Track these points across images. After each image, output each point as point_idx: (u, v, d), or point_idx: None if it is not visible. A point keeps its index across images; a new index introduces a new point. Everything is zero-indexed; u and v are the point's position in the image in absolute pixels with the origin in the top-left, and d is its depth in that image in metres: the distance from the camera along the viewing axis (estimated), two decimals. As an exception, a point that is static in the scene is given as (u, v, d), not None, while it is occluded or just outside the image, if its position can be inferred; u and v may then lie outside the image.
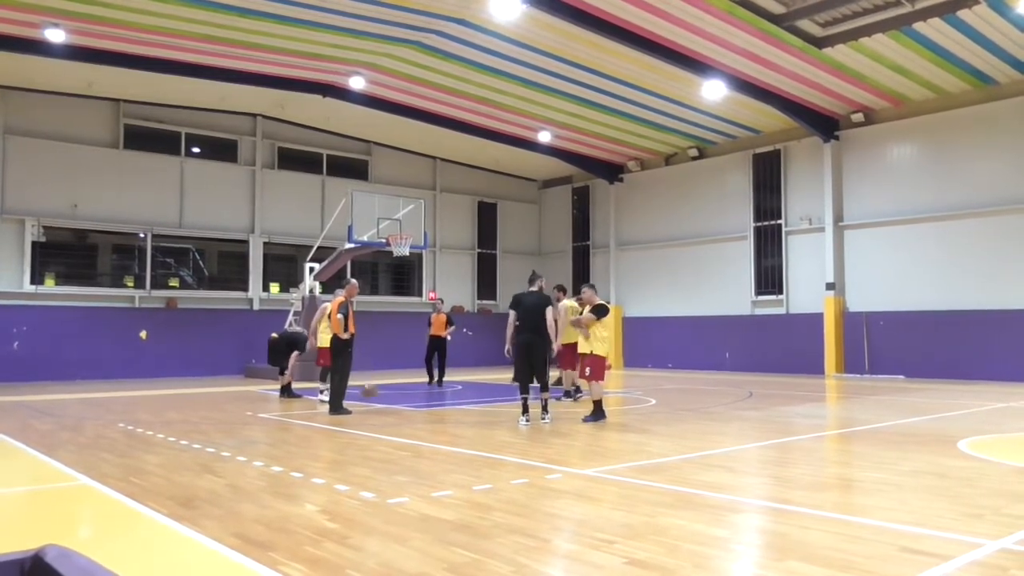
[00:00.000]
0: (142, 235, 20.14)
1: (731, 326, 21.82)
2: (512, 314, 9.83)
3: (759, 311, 21.43)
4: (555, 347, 10.11)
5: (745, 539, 4.43)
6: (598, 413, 9.70)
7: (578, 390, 12.65)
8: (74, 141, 19.34)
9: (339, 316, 10.84)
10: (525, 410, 9.55)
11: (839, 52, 15.86)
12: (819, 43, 15.43)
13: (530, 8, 14.36)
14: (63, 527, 4.84)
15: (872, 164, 19.29)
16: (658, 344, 23.39)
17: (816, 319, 19.82)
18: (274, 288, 21.96)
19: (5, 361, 17.71)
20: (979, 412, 10.88)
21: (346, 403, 11.05)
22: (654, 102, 19.51)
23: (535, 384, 9.70)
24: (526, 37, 16.11)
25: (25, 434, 8.79)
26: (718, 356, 21.86)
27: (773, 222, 21.24)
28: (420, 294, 25.02)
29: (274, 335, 14.38)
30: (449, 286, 25.40)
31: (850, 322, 19.38)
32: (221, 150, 21.66)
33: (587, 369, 9.76)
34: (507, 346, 9.96)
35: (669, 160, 23.92)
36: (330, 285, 18.10)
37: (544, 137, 22.67)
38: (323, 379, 12.57)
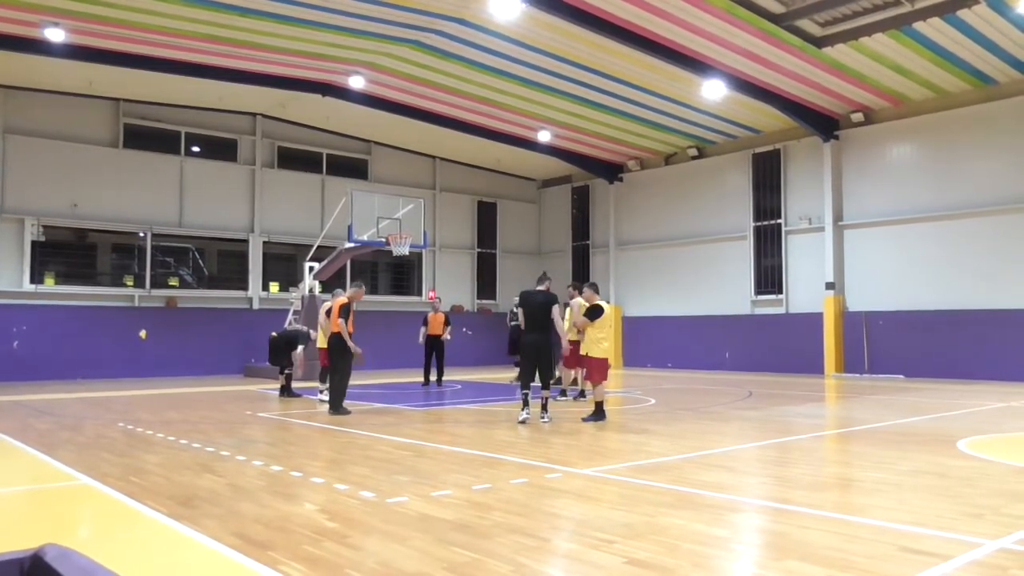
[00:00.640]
0: (142, 234, 20.13)
1: (731, 326, 21.82)
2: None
3: (759, 311, 21.43)
4: (564, 345, 10.17)
5: (745, 539, 4.43)
6: (598, 413, 9.72)
7: (582, 393, 12.65)
8: (74, 140, 19.34)
9: (340, 320, 10.82)
10: (525, 404, 9.58)
11: (839, 52, 15.86)
12: (819, 43, 15.42)
13: (530, 8, 14.35)
14: (63, 526, 4.84)
15: (872, 164, 19.29)
16: (658, 344, 23.39)
17: (816, 319, 19.82)
18: (274, 287, 21.95)
19: (5, 360, 17.69)
20: (979, 412, 10.88)
21: (346, 403, 11.05)
22: (654, 102, 19.50)
23: (536, 383, 9.73)
24: (526, 36, 16.10)
25: (25, 433, 8.79)
26: (718, 356, 21.86)
27: (773, 222, 21.24)
28: (420, 293, 25.01)
29: (274, 334, 14.37)
30: (449, 286, 25.39)
31: (849, 322, 19.38)
32: (221, 149, 21.65)
33: (585, 371, 9.79)
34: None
35: (669, 160, 23.92)
36: (330, 284, 18.10)
37: (544, 137, 22.65)
38: (323, 379, 12.58)
